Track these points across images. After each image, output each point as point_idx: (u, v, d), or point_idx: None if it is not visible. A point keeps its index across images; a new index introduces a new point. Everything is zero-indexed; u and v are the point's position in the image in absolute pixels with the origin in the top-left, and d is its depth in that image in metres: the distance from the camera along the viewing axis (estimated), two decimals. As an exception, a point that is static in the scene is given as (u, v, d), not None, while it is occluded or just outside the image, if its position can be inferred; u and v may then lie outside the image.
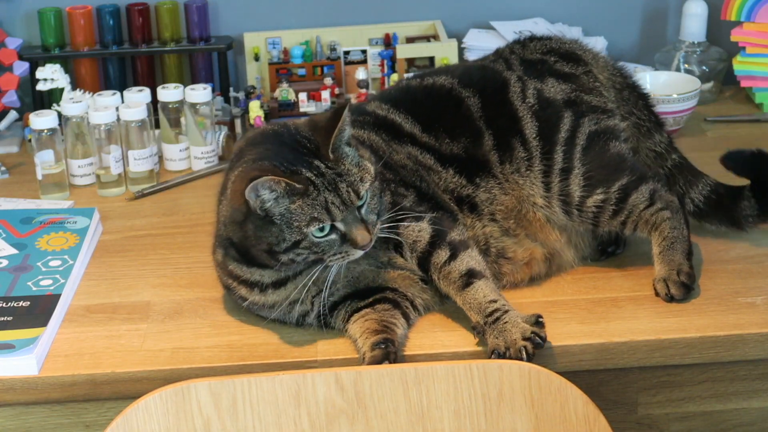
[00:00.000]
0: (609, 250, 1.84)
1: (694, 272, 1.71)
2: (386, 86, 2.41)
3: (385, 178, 1.69)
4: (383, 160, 1.68)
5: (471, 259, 1.65)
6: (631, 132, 1.90)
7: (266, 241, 1.55)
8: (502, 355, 1.54)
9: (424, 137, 1.79)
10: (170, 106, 2.23)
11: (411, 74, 2.22)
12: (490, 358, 1.55)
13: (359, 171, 1.56)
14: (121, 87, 2.41)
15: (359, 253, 1.57)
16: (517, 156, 1.78)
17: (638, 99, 1.92)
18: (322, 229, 1.54)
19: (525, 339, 1.55)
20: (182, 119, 2.23)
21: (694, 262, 1.75)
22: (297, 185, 1.52)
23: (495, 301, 1.60)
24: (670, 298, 1.70)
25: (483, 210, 1.76)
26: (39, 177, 2.13)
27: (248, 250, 1.59)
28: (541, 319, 1.58)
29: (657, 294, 1.72)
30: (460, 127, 1.79)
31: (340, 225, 1.55)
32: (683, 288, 1.70)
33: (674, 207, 1.76)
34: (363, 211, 1.57)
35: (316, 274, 1.59)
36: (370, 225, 1.57)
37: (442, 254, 1.64)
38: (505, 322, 1.57)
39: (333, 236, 1.55)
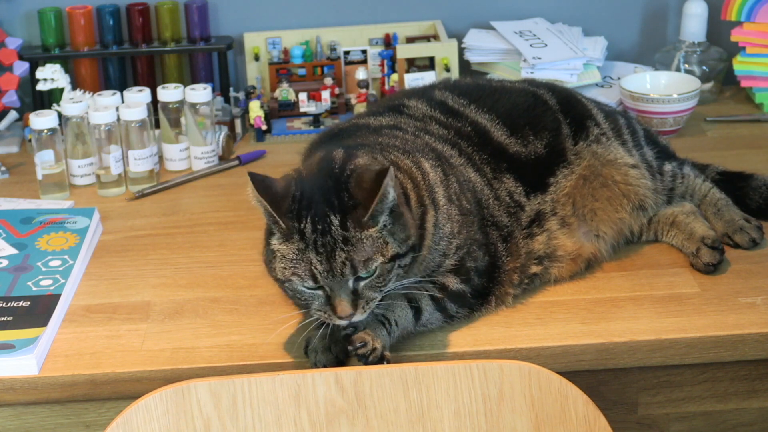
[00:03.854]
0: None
1: None
2: (386, 86, 2.41)
3: (479, 226, 1.69)
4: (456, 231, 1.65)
5: (429, 314, 1.63)
6: None
7: (264, 252, 1.56)
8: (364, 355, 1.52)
9: (513, 143, 1.80)
10: (170, 106, 2.22)
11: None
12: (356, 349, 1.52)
13: (372, 247, 1.49)
14: (121, 87, 2.41)
15: (342, 321, 1.52)
16: (593, 132, 1.84)
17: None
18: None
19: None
20: (182, 119, 2.23)
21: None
22: (282, 225, 1.49)
23: (396, 324, 1.57)
24: (754, 243, 1.84)
25: (548, 211, 1.77)
26: (39, 177, 2.13)
27: None
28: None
29: (736, 245, 1.84)
30: (543, 121, 1.83)
31: (325, 288, 1.50)
32: (759, 230, 1.85)
33: (708, 181, 1.94)
34: (362, 284, 1.50)
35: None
36: (362, 300, 1.50)
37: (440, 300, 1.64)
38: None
39: (319, 292, 1.51)
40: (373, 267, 1.50)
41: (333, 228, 1.48)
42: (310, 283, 1.50)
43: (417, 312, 1.61)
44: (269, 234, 1.54)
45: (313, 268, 1.49)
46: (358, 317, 1.52)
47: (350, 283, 1.50)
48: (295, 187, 1.52)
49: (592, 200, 1.80)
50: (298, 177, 1.55)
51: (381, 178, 1.48)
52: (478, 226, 1.69)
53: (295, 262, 1.50)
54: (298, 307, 1.63)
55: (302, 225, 1.49)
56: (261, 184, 1.51)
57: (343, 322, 1.53)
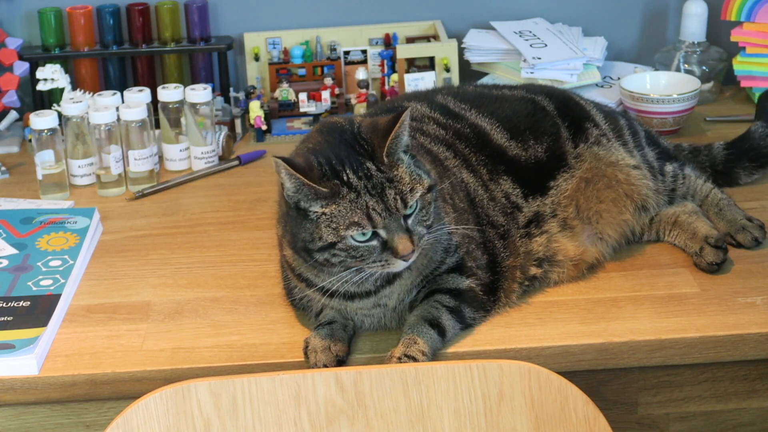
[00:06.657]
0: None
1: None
2: (386, 86, 2.41)
3: (473, 215, 1.70)
4: (450, 180, 1.69)
5: (451, 328, 1.63)
6: None
7: (300, 237, 1.54)
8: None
9: (512, 146, 1.80)
10: (170, 106, 2.23)
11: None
12: None
13: (411, 180, 1.53)
14: (121, 87, 2.41)
15: (400, 264, 1.54)
16: (592, 133, 1.85)
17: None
18: (363, 234, 1.52)
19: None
20: (182, 119, 2.23)
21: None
22: (323, 190, 1.50)
23: (425, 355, 1.57)
24: (756, 242, 1.84)
25: (547, 213, 1.77)
26: (39, 177, 2.13)
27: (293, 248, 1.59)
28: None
29: (739, 245, 1.84)
30: (542, 126, 1.84)
31: (381, 232, 1.52)
32: (762, 229, 1.85)
33: (709, 181, 1.96)
34: (410, 221, 1.54)
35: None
36: (415, 236, 1.53)
37: (449, 301, 1.64)
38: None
39: (374, 242, 1.52)
40: (417, 197, 1.53)
41: (373, 172, 1.52)
42: (368, 229, 1.51)
43: (441, 331, 1.61)
44: (303, 213, 1.53)
45: (370, 210, 1.51)
46: (415, 255, 1.54)
47: (402, 221, 1.53)
48: (315, 156, 1.54)
49: (597, 202, 1.80)
50: (309, 149, 1.56)
51: (399, 115, 1.54)
52: (474, 224, 1.69)
53: (350, 212, 1.51)
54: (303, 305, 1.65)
55: (345, 178, 1.52)
56: (290, 163, 1.52)
57: (405, 264, 1.54)
